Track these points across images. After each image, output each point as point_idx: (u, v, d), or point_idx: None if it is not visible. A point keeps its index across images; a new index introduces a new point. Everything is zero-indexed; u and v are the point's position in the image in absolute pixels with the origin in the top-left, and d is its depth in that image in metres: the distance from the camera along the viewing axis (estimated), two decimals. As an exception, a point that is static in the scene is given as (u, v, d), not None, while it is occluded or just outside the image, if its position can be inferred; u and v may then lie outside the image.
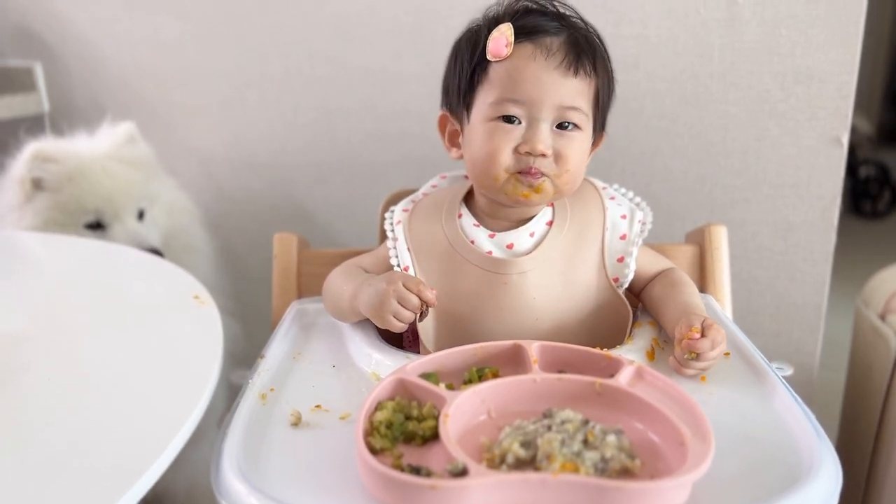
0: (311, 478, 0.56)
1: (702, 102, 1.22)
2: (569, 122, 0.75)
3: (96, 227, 1.21)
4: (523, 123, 0.75)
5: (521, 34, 0.75)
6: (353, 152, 1.45)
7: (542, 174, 0.74)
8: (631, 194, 0.87)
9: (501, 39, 0.74)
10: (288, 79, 1.43)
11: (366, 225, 1.45)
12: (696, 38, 1.19)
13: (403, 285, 0.71)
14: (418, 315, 0.73)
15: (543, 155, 0.73)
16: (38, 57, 1.55)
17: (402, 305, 0.71)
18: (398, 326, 0.72)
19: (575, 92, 0.75)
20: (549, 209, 0.82)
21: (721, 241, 0.92)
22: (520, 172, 0.74)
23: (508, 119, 0.74)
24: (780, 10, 1.15)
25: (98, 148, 1.23)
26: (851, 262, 1.93)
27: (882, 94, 4.54)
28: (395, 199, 0.94)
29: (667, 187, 1.28)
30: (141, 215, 1.26)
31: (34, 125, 1.52)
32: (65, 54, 1.53)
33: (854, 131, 3.56)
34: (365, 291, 0.75)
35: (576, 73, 0.74)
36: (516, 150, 0.74)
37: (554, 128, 0.75)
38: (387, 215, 0.87)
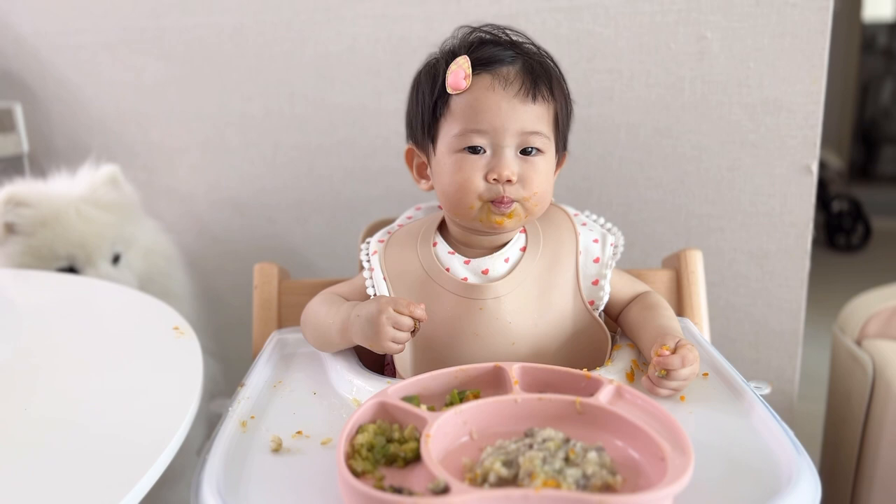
0: (292, 502, 0.56)
1: (675, 133, 1.25)
2: (532, 148, 0.77)
3: (69, 271, 1.19)
4: (488, 152, 0.76)
5: (478, 65, 0.77)
6: (333, 189, 1.46)
7: (513, 200, 0.76)
8: (602, 220, 0.88)
9: (459, 73, 0.76)
10: (269, 118, 1.45)
11: (347, 261, 1.46)
12: (668, 72, 1.23)
13: (394, 310, 0.72)
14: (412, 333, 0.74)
15: (510, 181, 0.75)
16: (18, 98, 1.55)
17: (396, 329, 0.72)
18: (396, 350, 0.73)
19: (535, 117, 0.77)
20: (523, 235, 0.83)
21: (697, 265, 0.93)
22: (492, 202, 0.76)
23: (473, 150, 0.76)
24: (747, 43, 1.18)
25: (74, 191, 1.22)
26: (827, 294, 1.96)
27: (852, 131, 4.66)
28: (374, 229, 0.94)
29: (644, 217, 1.30)
30: (116, 259, 1.24)
31: (13, 166, 1.52)
32: (45, 95, 1.54)
33: (826, 167, 3.66)
34: (356, 322, 0.75)
35: (534, 99, 0.76)
36: (485, 178, 0.76)
37: (518, 153, 0.77)
38: (363, 246, 0.88)
